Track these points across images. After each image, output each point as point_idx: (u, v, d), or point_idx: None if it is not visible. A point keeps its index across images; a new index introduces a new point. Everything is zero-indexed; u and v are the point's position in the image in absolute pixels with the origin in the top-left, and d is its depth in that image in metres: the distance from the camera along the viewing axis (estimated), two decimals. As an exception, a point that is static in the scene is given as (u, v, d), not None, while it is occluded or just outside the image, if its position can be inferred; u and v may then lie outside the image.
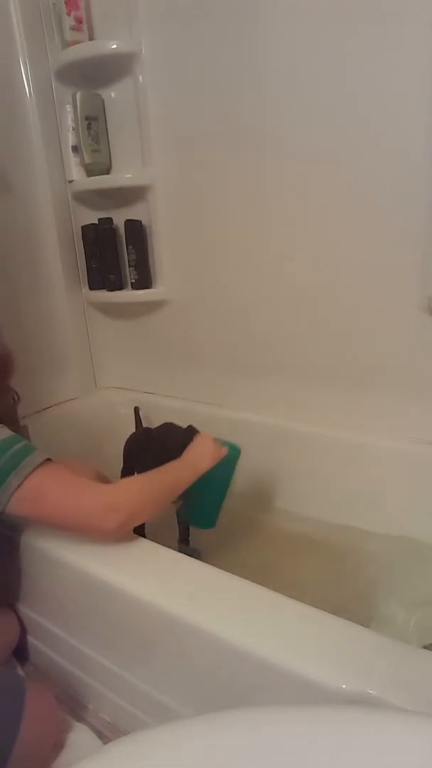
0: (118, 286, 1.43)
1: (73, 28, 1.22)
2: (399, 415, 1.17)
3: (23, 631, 1.00)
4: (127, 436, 1.14)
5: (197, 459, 0.93)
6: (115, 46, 1.21)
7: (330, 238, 1.12)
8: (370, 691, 0.55)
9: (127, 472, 1.12)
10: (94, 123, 1.30)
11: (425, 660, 0.59)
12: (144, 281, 1.40)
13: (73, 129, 1.31)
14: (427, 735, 0.40)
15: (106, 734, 0.88)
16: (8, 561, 0.94)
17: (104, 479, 1.03)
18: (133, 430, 1.33)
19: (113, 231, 1.41)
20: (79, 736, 0.86)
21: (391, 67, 0.95)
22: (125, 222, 1.36)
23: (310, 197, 1.11)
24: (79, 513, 0.76)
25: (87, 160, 1.32)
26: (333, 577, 1.10)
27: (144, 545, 0.84)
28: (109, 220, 1.40)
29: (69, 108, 1.31)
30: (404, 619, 0.98)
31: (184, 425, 1.06)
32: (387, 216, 1.04)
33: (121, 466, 1.12)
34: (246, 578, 0.74)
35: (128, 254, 1.38)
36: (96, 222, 1.41)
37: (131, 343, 1.56)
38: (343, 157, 1.05)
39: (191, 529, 1.14)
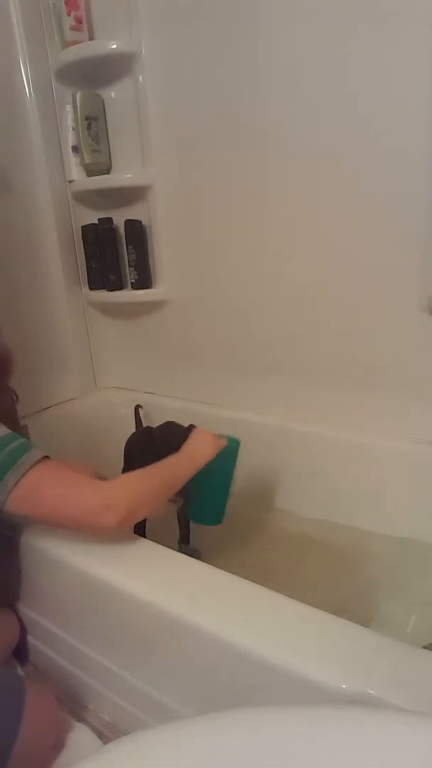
0: (118, 286, 1.43)
1: (73, 28, 1.22)
2: (399, 415, 1.17)
3: (23, 631, 1.00)
4: (128, 436, 1.14)
5: (195, 452, 0.92)
6: (115, 46, 1.21)
7: (330, 238, 1.12)
8: (370, 691, 0.55)
9: (128, 472, 1.12)
10: (94, 123, 1.30)
11: (425, 660, 0.59)
12: (144, 281, 1.40)
13: (73, 129, 1.31)
14: (427, 735, 0.40)
15: (106, 734, 0.88)
16: (8, 561, 0.94)
17: (103, 479, 1.03)
18: (134, 430, 1.33)
19: (113, 231, 1.41)
20: (79, 736, 0.86)
21: (391, 67, 0.95)
22: (125, 222, 1.36)
23: (310, 197, 1.11)
24: (77, 511, 0.75)
25: (87, 160, 1.32)
26: (333, 577, 1.10)
27: (144, 545, 0.84)
28: (109, 220, 1.41)
29: (69, 108, 1.31)
30: (404, 619, 0.98)
31: (185, 425, 1.06)
32: (387, 216, 1.04)
33: (122, 466, 1.12)
34: (246, 578, 0.74)
35: (128, 254, 1.38)
36: (96, 222, 1.41)
37: (131, 343, 1.56)
38: (343, 157, 1.05)
39: (191, 529, 1.14)
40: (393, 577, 1.08)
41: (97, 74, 1.28)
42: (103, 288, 1.45)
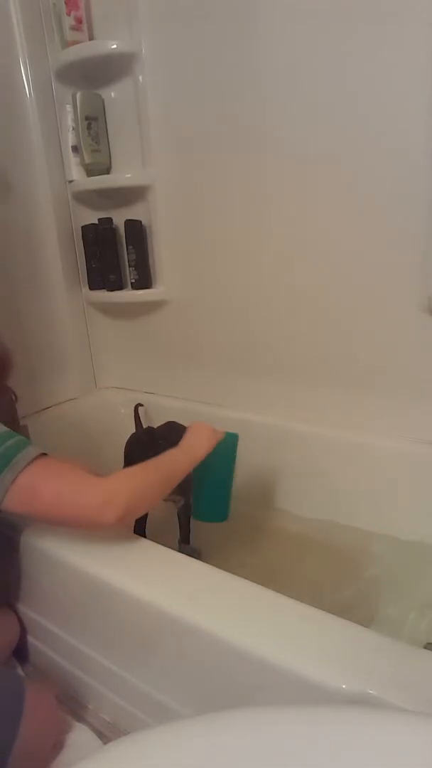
0: (118, 286, 1.43)
1: (73, 28, 1.22)
2: (399, 415, 1.17)
3: (23, 631, 1.00)
4: (128, 436, 1.14)
5: (193, 445, 0.91)
6: (115, 46, 1.21)
7: (330, 238, 1.12)
8: (370, 691, 0.55)
9: (127, 471, 1.12)
10: (94, 123, 1.30)
11: (425, 660, 0.59)
12: (144, 281, 1.40)
13: (73, 129, 1.31)
14: (427, 735, 0.40)
15: (106, 734, 0.88)
16: (8, 561, 0.94)
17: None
18: (134, 430, 1.32)
19: (113, 231, 1.41)
20: (79, 736, 0.86)
21: (391, 67, 0.95)
22: (125, 222, 1.36)
23: (310, 197, 1.11)
24: (76, 507, 0.73)
25: (87, 160, 1.32)
26: (333, 578, 1.10)
27: (144, 545, 0.84)
28: (109, 220, 1.41)
29: (69, 108, 1.31)
30: (404, 619, 0.98)
31: (186, 425, 1.06)
32: (387, 216, 1.04)
33: (122, 466, 1.12)
34: (246, 578, 0.74)
35: (128, 254, 1.38)
36: (96, 222, 1.41)
37: (131, 343, 1.56)
38: (343, 157, 1.05)
39: (191, 529, 1.14)
40: (393, 577, 1.08)
41: (97, 74, 1.28)
42: (103, 288, 1.45)
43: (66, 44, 1.23)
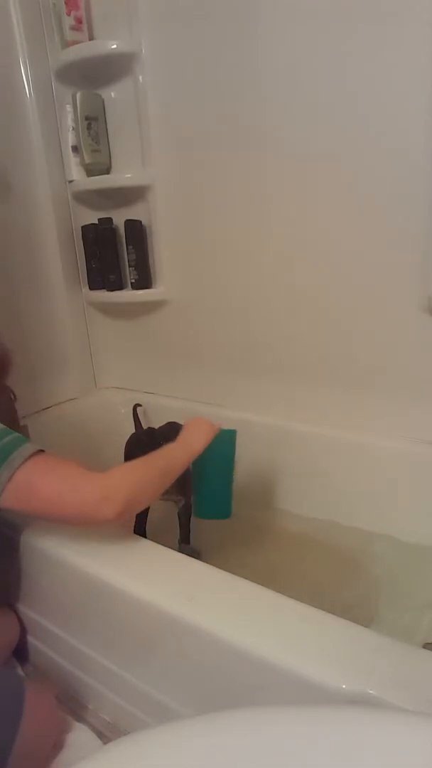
0: (118, 286, 1.43)
1: (73, 28, 1.22)
2: (399, 415, 1.17)
3: (23, 631, 1.00)
4: (128, 436, 1.14)
5: (191, 439, 0.91)
6: (115, 46, 1.21)
7: (330, 238, 1.12)
8: (370, 691, 0.55)
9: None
10: (94, 123, 1.30)
11: (425, 660, 0.59)
12: (144, 281, 1.40)
13: (73, 129, 1.31)
14: (427, 735, 0.40)
15: (106, 734, 0.88)
16: (8, 561, 0.94)
17: None
18: (133, 430, 1.32)
19: (113, 231, 1.41)
20: (79, 736, 0.86)
21: (391, 67, 0.95)
22: (125, 222, 1.36)
23: (310, 197, 1.11)
24: (74, 504, 0.73)
25: (87, 160, 1.32)
26: (333, 578, 1.10)
27: (144, 545, 0.84)
28: (109, 220, 1.41)
29: (69, 108, 1.31)
30: (404, 619, 0.98)
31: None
32: (387, 216, 1.04)
33: (122, 466, 1.12)
34: (246, 578, 0.74)
35: (128, 254, 1.38)
36: (96, 222, 1.41)
37: (131, 343, 1.56)
38: (343, 157, 1.05)
39: (191, 529, 1.14)
40: (393, 577, 1.08)
41: (97, 74, 1.28)
42: (103, 288, 1.45)
43: (66, 44, 1.23)
